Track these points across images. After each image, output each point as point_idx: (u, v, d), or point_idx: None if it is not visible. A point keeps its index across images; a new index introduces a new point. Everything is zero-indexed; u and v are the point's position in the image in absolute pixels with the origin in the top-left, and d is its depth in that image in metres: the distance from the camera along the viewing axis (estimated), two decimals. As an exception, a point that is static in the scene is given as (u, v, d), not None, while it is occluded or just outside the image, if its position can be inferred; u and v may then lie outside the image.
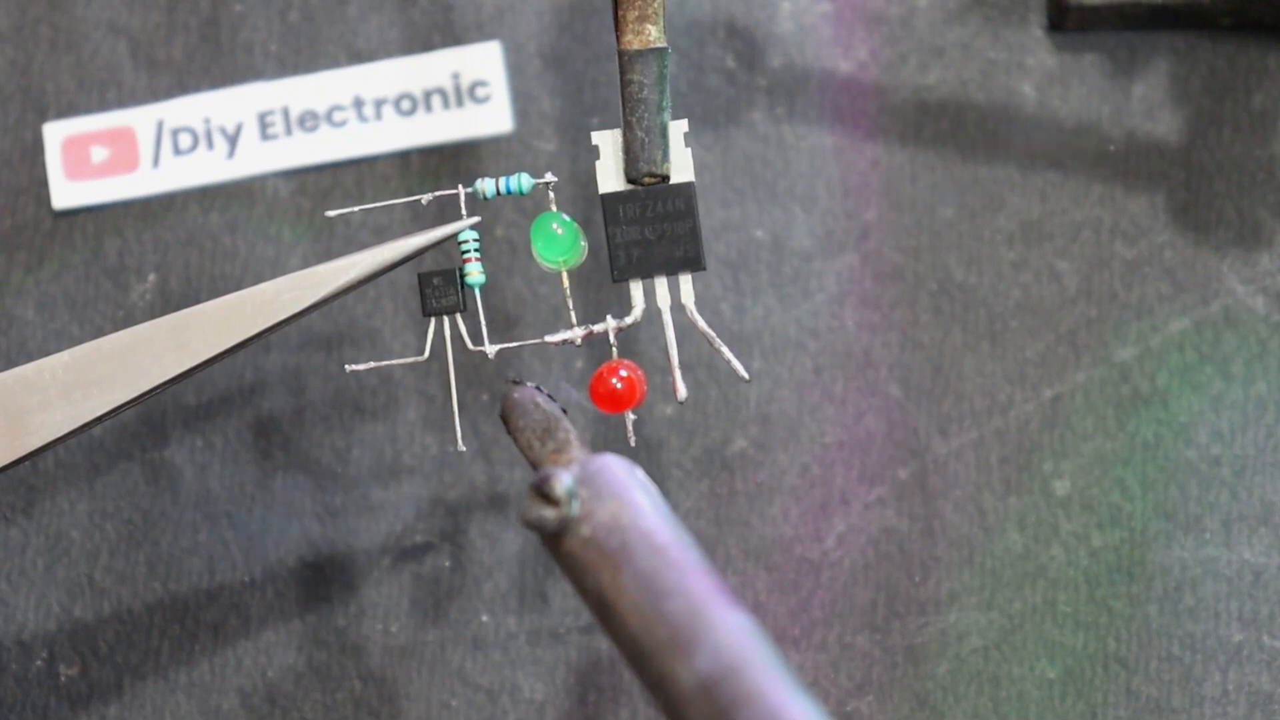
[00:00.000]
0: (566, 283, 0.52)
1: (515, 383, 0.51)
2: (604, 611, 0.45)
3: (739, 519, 0.59)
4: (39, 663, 0.58)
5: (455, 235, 0.51)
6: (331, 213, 0.53)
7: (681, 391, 0.51)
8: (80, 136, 0.60)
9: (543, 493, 0.46)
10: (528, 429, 0.49)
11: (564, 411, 0.50)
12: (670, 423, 0.59)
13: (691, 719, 0.42)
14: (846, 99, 0.61)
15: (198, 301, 0.52)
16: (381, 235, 0.59)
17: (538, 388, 0.50)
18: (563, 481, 0.46)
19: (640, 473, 0.47)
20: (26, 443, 0.51)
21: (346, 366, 0.53)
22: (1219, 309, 0.59)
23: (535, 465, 0.49)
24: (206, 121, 0.60)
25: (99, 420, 0.51)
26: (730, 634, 0.43)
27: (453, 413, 0.52)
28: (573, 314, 0.52)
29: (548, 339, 0.52)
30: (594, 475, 0.46)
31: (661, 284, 0.51)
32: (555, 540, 0.46)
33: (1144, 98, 0.61)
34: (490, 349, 0.52)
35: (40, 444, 0.51)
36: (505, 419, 0.50)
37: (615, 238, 0.51)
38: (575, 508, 0.46)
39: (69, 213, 0.60)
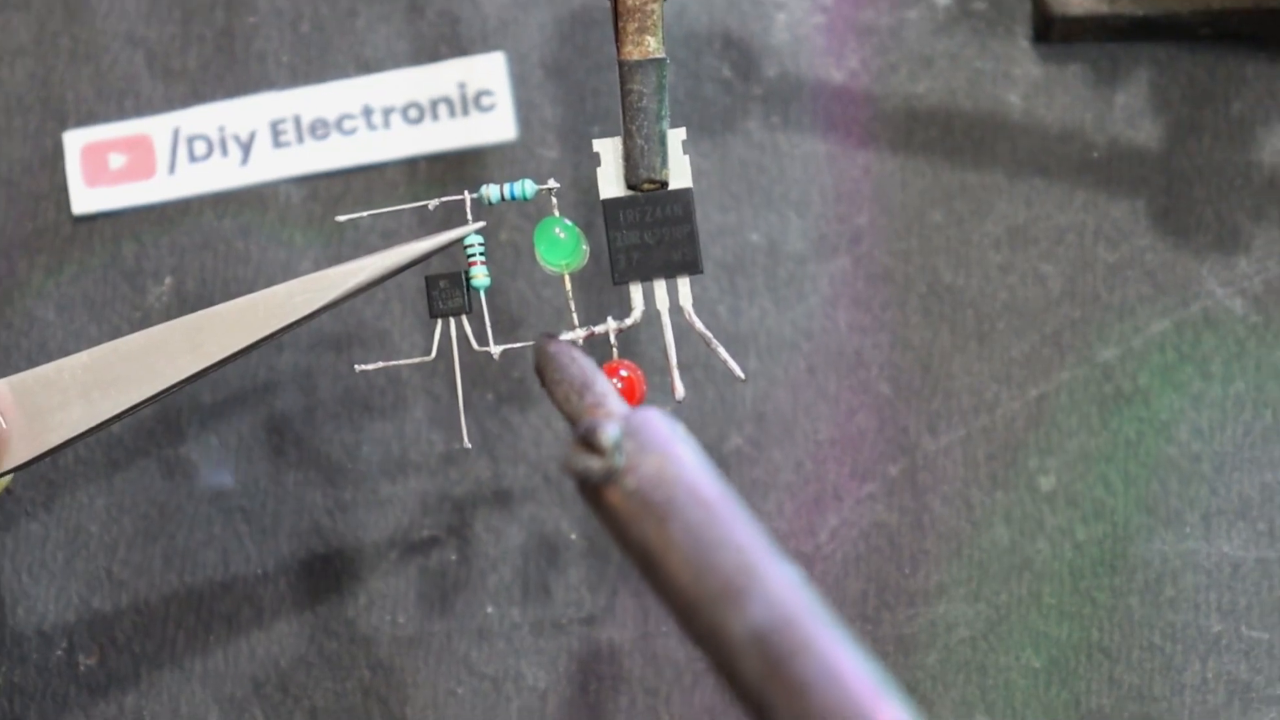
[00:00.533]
0: (568, 285, 0.52)
1: (550, 336, 0.50)
2: (649, 564, 0.43)
3: (735, 514, 0.58)
4: (59, 652, 0.58)
5: (461, 239, 0.51)
6: (341, 218, 0.53)
7: (679, 391, 0.51)
8: (99, 144, 0.60)
9: (588, 442, 0.44)
10: (564, 382, 0.48)
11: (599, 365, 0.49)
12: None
13: (743, 669, 0.40)
14: (839, 107, 0.60)
15: (212, 304, 0.51)
16: (390, 239, 0.59)
17: (573, 342, 0.50)
18: (609, 431, 0.44)
19: (683, 429, 0.45)
20: (47, 440, 0.51)
21: (356, 366, 0.53)
22: (1198, 310, 0.59)
23: (573, 419, 0.47)
24: (221, 129, 0.60)
25: (117, 418, 0.51)
26: (783, 586, 0.41)
27: (459, 411, 0.52)
28: (574, 315, 0.52)
29: (550, 339, 0.51)
30: (638, 428, 0.44)
31: (660, 287, 0.51)
32: (597, 492, 0.44)
33: (1126, 106, 0.60)
34: (495, 349, 0.52)
35: (60, 441, 0.51)
36: (540, 372, 0.48)
37: (616, 242, 0.51)
38: (620, 459, 0.44)
39: (88, 218, 0.60)
